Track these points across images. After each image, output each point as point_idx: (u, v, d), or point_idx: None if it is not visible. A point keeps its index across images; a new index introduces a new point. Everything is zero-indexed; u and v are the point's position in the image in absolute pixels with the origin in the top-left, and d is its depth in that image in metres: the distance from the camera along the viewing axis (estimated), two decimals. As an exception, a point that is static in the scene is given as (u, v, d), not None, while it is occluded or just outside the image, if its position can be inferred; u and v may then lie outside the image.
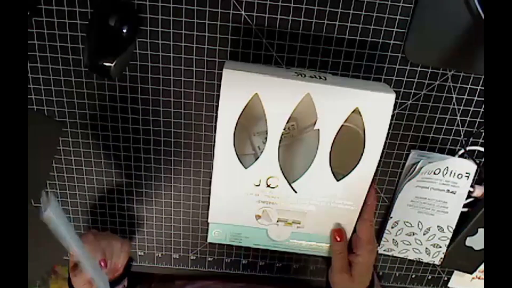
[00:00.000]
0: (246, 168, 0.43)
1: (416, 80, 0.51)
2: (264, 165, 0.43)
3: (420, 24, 0.47)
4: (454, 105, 0.52)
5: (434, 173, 0.53)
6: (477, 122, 0.53)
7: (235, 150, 0.42)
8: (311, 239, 0.48)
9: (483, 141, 0.54)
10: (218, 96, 0.50)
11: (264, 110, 0.40)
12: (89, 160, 0.56)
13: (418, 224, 0.57)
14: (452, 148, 0.55)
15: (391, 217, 0.57)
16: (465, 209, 0.57)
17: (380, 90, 0.41)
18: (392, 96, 0.40)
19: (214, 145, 0.43)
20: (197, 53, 0.49)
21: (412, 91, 0.51)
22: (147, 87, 0.51)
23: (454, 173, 0.53)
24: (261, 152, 0.43)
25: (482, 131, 0.53)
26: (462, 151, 0.54)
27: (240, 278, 0.64)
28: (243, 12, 0.47)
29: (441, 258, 0.60)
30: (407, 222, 0.58)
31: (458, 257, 0.59)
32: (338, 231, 0.47)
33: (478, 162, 0.54)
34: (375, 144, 0.42)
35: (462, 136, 0.54)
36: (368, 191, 0.45)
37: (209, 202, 0.46)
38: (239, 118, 0.41)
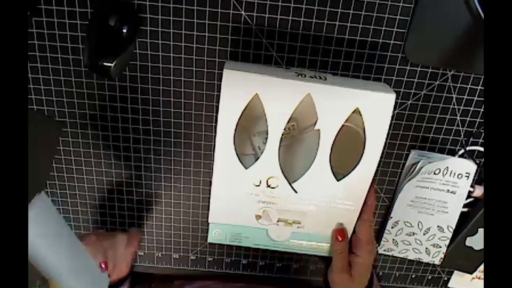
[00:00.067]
0: (246, 168, 0.43)
1: (416, 80, 0.51)
2: (265, 165, 0.43)
3: (420, 24, 0.47)
4: (454, 105, 0.52)
5: (434, 173, 0.53)
6: (477, 122, 0.53)
7: (235, 150, 0.42)
8: (311, 239, 0.48)
9: (483, 141, 0.54)
10: (218, 96, 0.50)
11: (264, 110, 0.40)
12: (89, 160, 0.56)
13: (418, 224, 0.57)
14: (452, 148, 0.55)
15: (391, 217, 0.57)
16: (465, 209, 0.57)
17: (380, 90, 0.41)
18: (392, 96, 0.40)
19: (214, 145, 0.43)
20: (197, 53, 0.49)
21: (412, 91, 0.51)
22: (147, 87, 0.51)
23: (454, 173, 0.53)
24: (261, 152, 0.43)
25: (482, 131, 0.53)
26: (462, 151, 0.54)
27: (240, 278, 0.64)
28: (243, 12, 0.47)
29: (441, 258, 0.60)
30: (407, 222, 0.58)
31: (458, 257, 0.59)
32: (339, 231, 0.47)
33: (478, 162, 0.54)
34: (375, 144, 0.42)
35: (462, 136, 0.54)
36: (368, 192, 0.45)
37: (209, 202, 0.46)
38: (239, 118, 0.41)
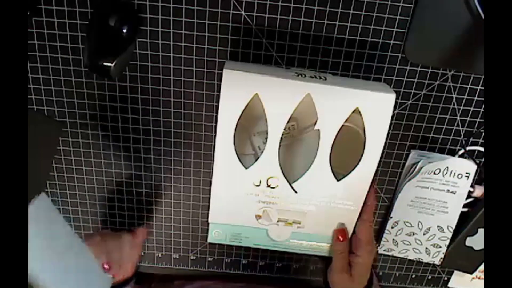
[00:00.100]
0: (246, 168, 0.43)
1: (416, 80, 0.51)
2: (264, 165, 0.43)
3: (420, 24, 0.47)
4: (454, 105, 0.52)
5: (434, 173, 0.53)
6: (477, 122, 0.53)
7: (235, 150, 0.42)
8: (311, 239, 0.48)
9: (483, 141, 0.54)
10: (218, 96, 0.50)
11: (264, 110, 0.40)
12: (89, 160, 0.56)
13: (418, 224, 0.57)
14: (452, 148, 0.55)
15: (391, 217, 0.57)
16: (465, 209, 0.57)
17: (380, 90, 0.41)
18: (392, 96, 0.40)
19: (214, 145, 0.43)
20: (197, 53, 0.49)
21: (412, 91, 0.51)
22: (147, 87, 0.51)
23: (454, 173, 0.53)
24: (261, 152, 0.43)
25: (482, 131, 0.53)
26: (462, 151, 0.54)
27: (240, 278, 0.64)
28: (243, 12, 0.47)
29: (441, 258, 0.60)
30: (407, 222, 0.58)
31: (458, 257, 0.59)
32: (341, 231, 0.47)
33: (478, 162, 0.54)
34: (375, 144, 0.42)
35: (462, 136, 0.54)
36: (368, 192, 0.45)
37: (209, 202, 0.46)
38: (239, 118, 0.41)
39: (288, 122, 0.41)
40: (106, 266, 0.46)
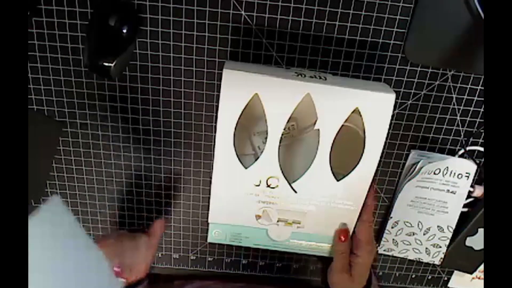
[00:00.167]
0: (246, 168, 0.43)
1: (416, 80, 0.51)
2: (264, 165, 0.43)
3: (420, 24, 0.47)
4: (454, 105, 0.52)
5: (434, 173, 0.53)
6: (477, 122, 0.53)
7: (235, 150, 0.42)
8: (311, 239, 0.48)
9: (483, 141, 0.54)
10: (218, 96, 0.50)
11: (264, 110, 0.40)
12: (89, 160, 0.56)
13: (418, 224, 0.57)
14: (452, 148, 0.55)
15: (391, 217, 0.57)
16: (465, 209, 0.57)
17: (380, 90, 0.41)
18: (392, 96, 0.40)
19: (214, 145, 0.43)
20: (197, 53, 0.49)
21: (412, 91, 0.51)
22: (147, 87, 0.51)
23: (454, 173, 0.53)
24: (261, 152, 0.43)
25: (482, 131, 0.53)
26: (462, 151, 0.54)
27: (240, 278, 0.64)
28: (243, 12, 0.47)
29: (441, 258, 0.60)
30: (407, 222, 0.58)
31: (458, 257, 0.59)
32: (343, 231, 0.47)
33: (478, 162, 0.54)
34: (375, 144, 0.42)
35: (462, 136, 0.54)
36: (368, 192, 0.45)
37: (209, 202, 0.46)
38: (239, 118, 0.41)
39: (288, 122, 0.41)
40: (116, 269, 0.45)
